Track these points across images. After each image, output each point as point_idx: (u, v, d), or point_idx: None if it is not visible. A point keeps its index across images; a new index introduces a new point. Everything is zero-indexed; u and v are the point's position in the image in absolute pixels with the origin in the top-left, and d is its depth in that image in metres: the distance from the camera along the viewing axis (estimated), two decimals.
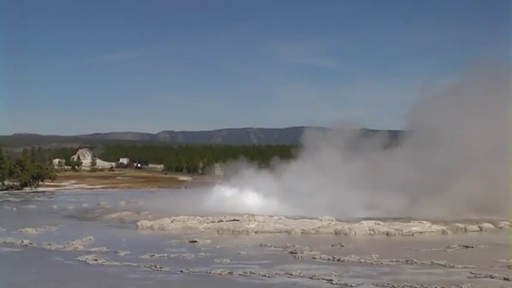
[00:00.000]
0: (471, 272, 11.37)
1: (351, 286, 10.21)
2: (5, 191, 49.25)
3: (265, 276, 11.17)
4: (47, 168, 64.94)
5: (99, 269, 12.09)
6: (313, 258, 13.37)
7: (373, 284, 10.34)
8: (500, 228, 19.27)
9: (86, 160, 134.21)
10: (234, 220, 19.88)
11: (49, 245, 15.32)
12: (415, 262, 12.58)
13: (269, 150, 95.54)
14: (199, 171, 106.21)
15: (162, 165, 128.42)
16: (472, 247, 15.04)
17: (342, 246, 15.24)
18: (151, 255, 13.51)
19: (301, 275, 11.19)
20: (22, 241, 16.12)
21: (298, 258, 13.46)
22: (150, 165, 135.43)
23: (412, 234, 18.01)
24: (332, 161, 27.70)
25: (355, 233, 17.92)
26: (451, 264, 12.21)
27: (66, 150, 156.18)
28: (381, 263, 12.48)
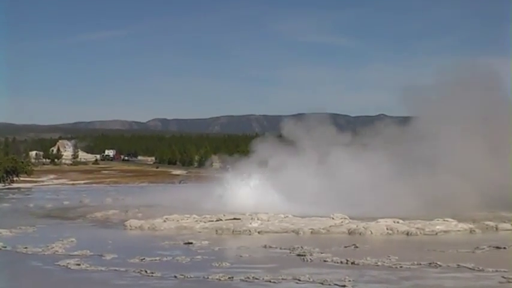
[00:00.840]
0: (503, 276, 11.35)
1: None
2: None
3: (270, 281, 11.17)
4: (22, 162, 65.18)
5: (82, 275, 12.09)
6: (324, 261, 13.36)
7: None
8: None
9: (67, 152, 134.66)
10: (235, 219, 19.90)
11: (25, 248, 15.33)
12: (440, 265, 12.56)
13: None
14: (195, 164, 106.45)
15: (153, 158, 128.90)
16: (504, 248, 15.00)
17: (357, 247, 15.24)
18: (141, 259, 13.53)
19: (311, 280, 11.19)
20: None
21: (307, 261, 13.46)
22: (140, 158, 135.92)
23: (436, 234, 18.01)
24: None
25: (371, 233, 17.93)
26: (480, 268, 12.18)
27: (44, 141, 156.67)
28: (401, 266, 12.47)
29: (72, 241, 16.45)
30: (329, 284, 10.85)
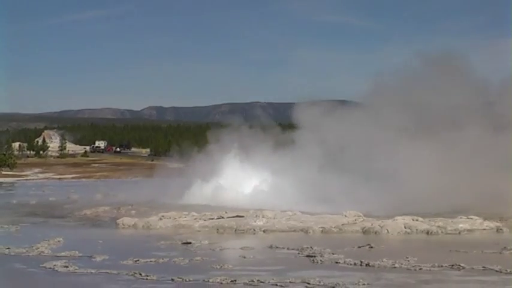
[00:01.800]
0: None
1: None
2: None
3: (276, 285, 11.18)
4: (4, 154, 65.41)
5: (70, 278, 12.12)
6: (336, 262, 13.38)
7: None
8: None
9: (53, 144, 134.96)
10: (238, 216, 19.95)
11: (7, 248, 15.38)
12: (463, 267, 12.55)
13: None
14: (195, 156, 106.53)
15: (147, 149, 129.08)
16: None
17: (372, 247, 15.27)
18: (135, 261, 13.56)
19: (321, 283, 11.19)
20: None
21: (317, 262, 13.47)
22: (133, 150, 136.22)
23: (459, 233, 18.01)
24: None
25: (388, 232, 17.95)
26: (508, 270, 12.16)
27: (28, 131, 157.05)
28: (420, 269, 12.47)
29: (59, 241, 16.49)
30: None
